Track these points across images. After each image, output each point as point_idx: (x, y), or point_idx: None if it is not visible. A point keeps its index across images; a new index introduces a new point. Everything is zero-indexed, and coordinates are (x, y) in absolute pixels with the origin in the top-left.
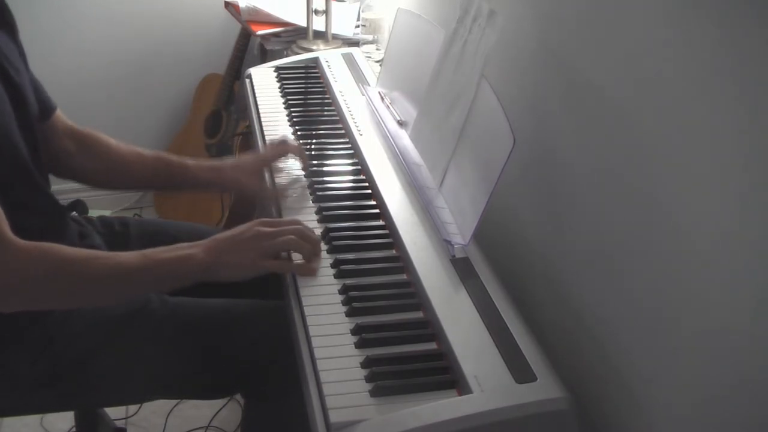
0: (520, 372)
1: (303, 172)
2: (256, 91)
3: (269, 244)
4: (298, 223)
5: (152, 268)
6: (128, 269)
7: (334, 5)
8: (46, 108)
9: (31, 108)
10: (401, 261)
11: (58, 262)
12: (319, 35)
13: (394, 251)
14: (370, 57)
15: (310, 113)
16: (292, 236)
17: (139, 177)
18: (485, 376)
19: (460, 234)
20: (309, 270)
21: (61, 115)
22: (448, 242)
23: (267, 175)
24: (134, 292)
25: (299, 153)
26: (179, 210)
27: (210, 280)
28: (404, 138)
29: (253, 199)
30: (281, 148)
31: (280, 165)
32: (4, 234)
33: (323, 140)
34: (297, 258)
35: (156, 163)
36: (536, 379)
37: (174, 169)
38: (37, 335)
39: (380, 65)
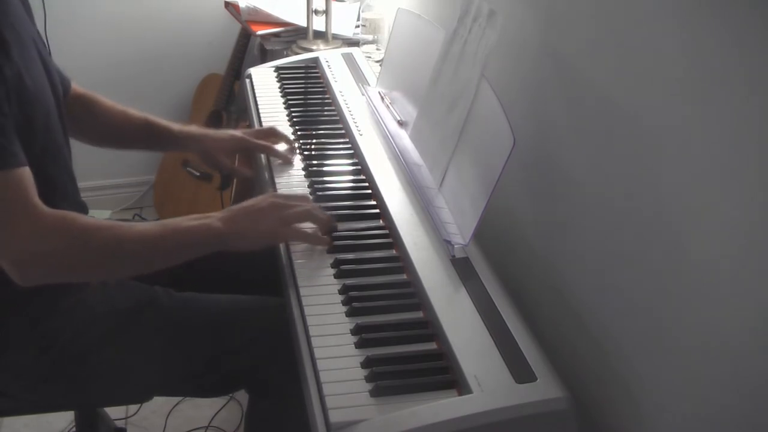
0: (520, 372)
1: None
2: (256, 91)
3: (287, 214)
4: (307, 198)
5: (172, 236)
6: (149, 238)
7: (334, 5)
8: (66, 86)
9: (60, 93)
10: (401, 261)
11: (79, 230)
12: (319, 35)
13: (394, 251)
14: (370, 57)
15: (310, 113)
16: (308, 207)
17: (126, 136)
18: (485, 376)
19: (460, 234)
20: (325, 240)
21: (74, 84)
22: (448, 242)
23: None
24: (154, 262)
25: (284, 140)
26: (179, 209)
27: (227, 249)
28: (404, 138)
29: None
30: (265, 134)
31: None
32: (35, 201)
33: (323, 140)
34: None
35: (143, 124)
36: (536, 379)
37: (159, 131)
38: (44, 330)
39: (380, 65)
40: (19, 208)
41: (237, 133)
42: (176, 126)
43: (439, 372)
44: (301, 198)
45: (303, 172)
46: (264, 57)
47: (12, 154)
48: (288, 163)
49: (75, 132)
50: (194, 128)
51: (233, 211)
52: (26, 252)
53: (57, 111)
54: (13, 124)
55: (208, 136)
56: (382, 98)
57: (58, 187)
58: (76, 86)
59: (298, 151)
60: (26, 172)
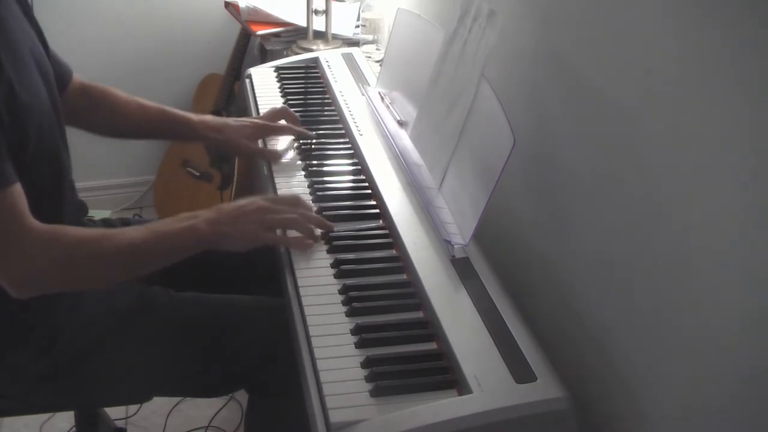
0: (520, 372)
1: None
2: (256, 91)
3: (270, 218)
4: (298, 200)
5: (159, 242)
6: (138, 246)
7: (334, 5)
8: (66, 76)
9: (56, 95)
10: (401, 261)
11: (70, 243)
12: (319, 35)
13: (394, 251)
14: (370, 57)
15: (310, 113)
16: (296, 216)
17: (141, 127)
18: (485, 376)
19: (460, 234)
20: (305, 245)
21: (76, 75)
22: (448, 242)
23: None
24: (144, 269)
25: (295, 121)
26: (179, 209)
27: (212, 249)
28: (404, 138)
29: (249, 160)
30: (279, 115)
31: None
32: (25, 219)
33: (323, 140)
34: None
35: (158, 114)
36: (536, 379)
37: (176, 121)
38: (43, 330)
39: (380, 65)
40: (10, 229)
41: (255, 120)
42: (194, 116)
43: (439, 372)
44: (291, 203)
45: (303, 172)
46: (264, 57)
47: (2, 174)
48: (306, 137)
49: (84, 125)
50: (210, 118)
51: (221, 211)
52: (20, 271)
53: (54, 114)
54: (5, 141)
55: (228, 125)
56: (382, 98)
57: (53, 190)
58: (81, 78)
59: (298, 151)
60: (17, 190)
